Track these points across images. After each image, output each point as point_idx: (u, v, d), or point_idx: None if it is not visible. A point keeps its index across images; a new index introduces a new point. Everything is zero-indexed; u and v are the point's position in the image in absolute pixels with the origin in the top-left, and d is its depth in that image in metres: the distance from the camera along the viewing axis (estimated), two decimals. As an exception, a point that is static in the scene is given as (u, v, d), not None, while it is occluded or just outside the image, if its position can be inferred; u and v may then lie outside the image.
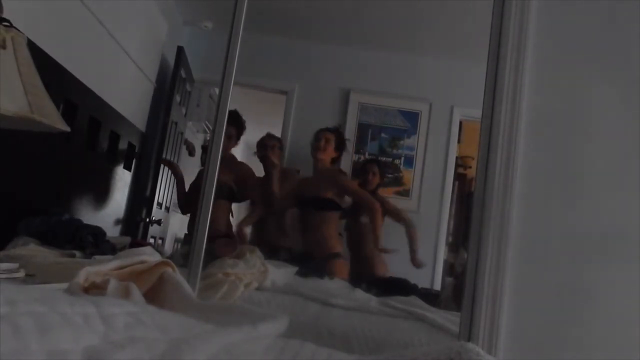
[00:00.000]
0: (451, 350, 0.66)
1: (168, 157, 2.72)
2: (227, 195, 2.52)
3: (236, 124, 2.60)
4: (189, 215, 2.65)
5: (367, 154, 2.89)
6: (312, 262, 2.34)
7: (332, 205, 2.55)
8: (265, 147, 2.70)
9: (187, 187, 2.67)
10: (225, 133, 2.53)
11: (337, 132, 2.69)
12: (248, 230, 2.68)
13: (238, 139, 2.66)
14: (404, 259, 2.62)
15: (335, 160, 2.67)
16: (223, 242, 2.35)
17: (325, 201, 2.55)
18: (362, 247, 2.61)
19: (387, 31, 2.82)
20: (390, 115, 2.92)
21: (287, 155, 2.84)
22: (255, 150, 2.73)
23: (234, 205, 2.66)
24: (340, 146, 2.67)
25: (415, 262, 2.56)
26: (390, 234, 2.66)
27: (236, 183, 2.56)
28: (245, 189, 2.60)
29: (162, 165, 2.66)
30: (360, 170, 2.80)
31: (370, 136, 2.89)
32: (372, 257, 2.58)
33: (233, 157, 2.64)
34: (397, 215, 2.68)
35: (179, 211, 2.78)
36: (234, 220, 2.63)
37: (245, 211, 2.76)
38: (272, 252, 2.36)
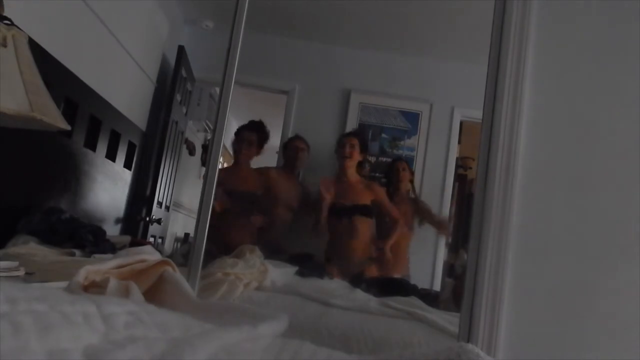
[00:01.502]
0: (451, 351, 0.66)
1: (169, 156, 2.72)
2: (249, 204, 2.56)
3: (259, 131, 2.65)
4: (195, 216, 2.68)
5: (367, 154, 2.89)
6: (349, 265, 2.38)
7: (370, 212, 2.61)
8: (296, 149, 2.74)
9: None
10: (246, 139, 2.60)
11: (359, 135, 2.73)
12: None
13: (261, 147, 2.69)
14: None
15: (361, 163, 2.71)
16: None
17: (367, 208, 2.60)
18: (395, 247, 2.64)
19: (388, 31, 2.82)
20: (391, 116, 2.91)
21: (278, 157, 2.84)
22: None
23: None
24: (364, 148, 2.71)
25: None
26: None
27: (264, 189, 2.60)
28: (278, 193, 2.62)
29: (162, 164, 2.67)
30: (389, 168, 2.82)
31: (371, 136, 2.89)
32: (401, 258, 2.64)
33: (252, 169, 2.67)
34: (433, 220, 2.72)
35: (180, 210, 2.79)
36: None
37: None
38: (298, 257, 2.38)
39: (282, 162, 2.81)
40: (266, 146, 2.73)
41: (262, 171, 2.72)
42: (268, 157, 2.79)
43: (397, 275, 2.54)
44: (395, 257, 2.60)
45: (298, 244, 2.63)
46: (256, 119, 2.73)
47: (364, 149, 2.71)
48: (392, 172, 2.79)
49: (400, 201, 2.71)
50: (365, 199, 2.62)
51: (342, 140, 2.68)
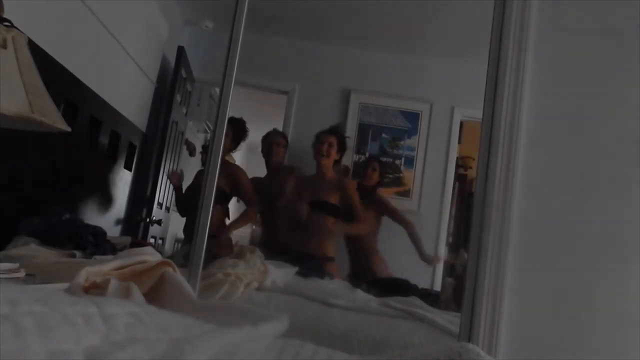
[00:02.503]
0: (451, 350, 0.66)
1: (169, 157, 2.72)
2: (219, 198, 2.54)
3: (236, 127, 2.62)
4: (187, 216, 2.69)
5: (367, 154, 2.89)
6: (311, 262, 2.35)
7: (336, 211, 2.57)
8: (270, 143, 2.73)
9: (184, 189, 2.70)
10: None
11: (338, 134, 2.69)
12: (245, 231, 2.71)
13: (236, 143, 2.67)
14: (403, 259, 2.63)
15: (338, 161, 2.68)
16: (217, 243, 2.38)
17: (330, 206, 2.57)
18: (362, 246, 2.62)
19: (388, 31, 2.82)
20: (391, 116, 2.92)
21: (287, 154, 2.85)
22: (254, 148, 2.76)
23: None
24: (342, 147, 2.68)
25: (426, 259, 2.63)
26: (390, 236, 2.68)
27: (229, 185, 2.57)
28: (237, 189, 2.62)
29: (162, 165, 2.67)
30: (361, 166, 2.82)
31: (371, 136, 2.90)
32: (371, 256, 2.62)
33: (225, 160, 2.66)
34: (396, 217, 2.70)
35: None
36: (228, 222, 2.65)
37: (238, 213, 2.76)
38: (282, 252, 2.37)
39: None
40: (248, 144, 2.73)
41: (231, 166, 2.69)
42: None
43: (384, 275, 2.54)
44: (365, 255, 2.60)
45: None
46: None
47: (342, 149, 2.68)
48: (362, 170, 2.78)
49: (365, 199, 2.70)
50: (334, 197, 2.60)
51: (320, 138, 2.65)
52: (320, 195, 2.59)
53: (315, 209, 2.57)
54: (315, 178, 2.64)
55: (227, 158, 2.83)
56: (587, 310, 1.42)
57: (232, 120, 2.64)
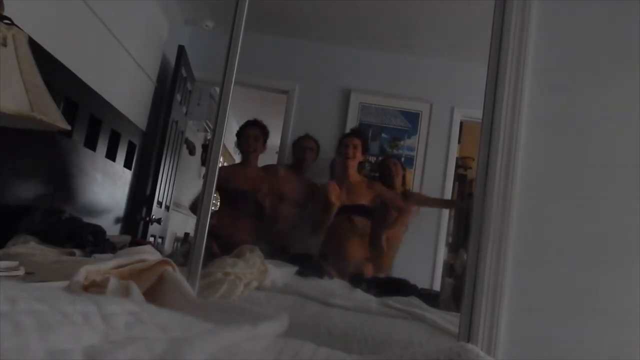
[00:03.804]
0: (451, 350, 0.66)
1: (169, 156, 2.72)
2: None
3: (261, 128, 2.69)
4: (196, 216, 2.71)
5: (368, 154, 2.89)
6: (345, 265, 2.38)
7: (368, 212, 2.61)
8: (303, 148, 2.76)
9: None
10: (252, 135, 2.62)
11: (361, 136, 2.73)
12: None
13: (265, 143, 2.72)
14: (403, 259, 2.63)
15: (362, 163, 2.72)
16: None
17: (364, 208, 2.60)
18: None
19: (388, 31, 2.82)
20: (391, 116, 2.92)
21: (287, 154, 2.85)
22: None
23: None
24: (366, 149, 2.72)
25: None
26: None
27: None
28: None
29: (162, 164, 2.67)
30: (381, 166, 2.82)
31: (371, 136, 2.90)
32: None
33: (259, 168, 2.69)
34: (434, 203, 2.77)
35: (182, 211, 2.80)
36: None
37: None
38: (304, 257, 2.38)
39: (284, 161, 2.82)
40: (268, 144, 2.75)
41: (270, 169, 2.72)
42: (268, 157, 2.79)
43: (380, 274, 2.55)
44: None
45: (299, 242, 2.63)
46: (257, 118, 2.74)
47: (366, 150, 2.71)
48: (385, 169, 2.79)
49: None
50: (365, 199, 2.61)
51: (345, 140, 2.68)
52: (355, 199, 2.61)
53: (353, 213, 2.59)
54: (344, 182, 2.64)
55: (228, 157, 2.85)
56: (587, 310, 1.42)
57: (256, 121, 2.69)
